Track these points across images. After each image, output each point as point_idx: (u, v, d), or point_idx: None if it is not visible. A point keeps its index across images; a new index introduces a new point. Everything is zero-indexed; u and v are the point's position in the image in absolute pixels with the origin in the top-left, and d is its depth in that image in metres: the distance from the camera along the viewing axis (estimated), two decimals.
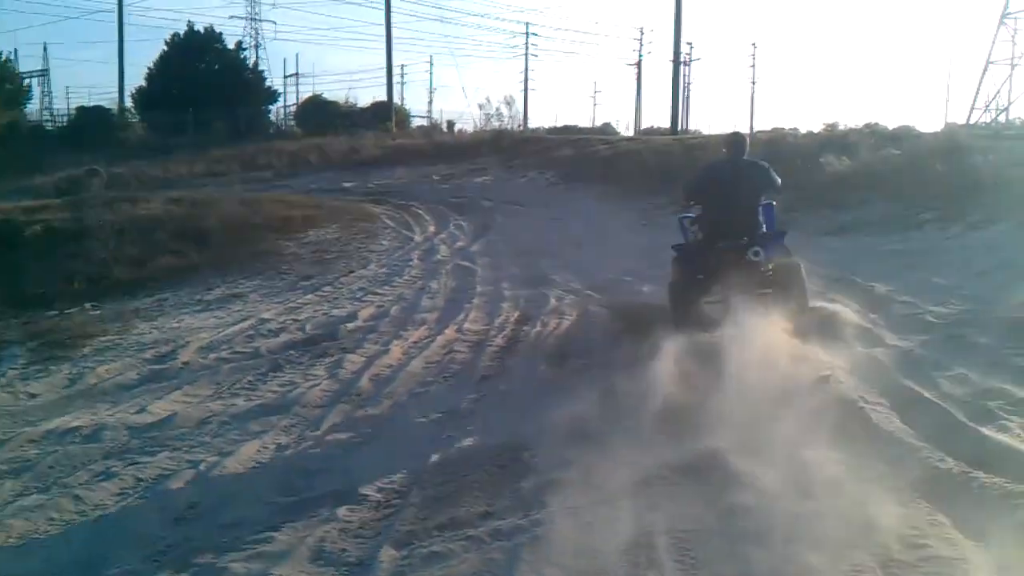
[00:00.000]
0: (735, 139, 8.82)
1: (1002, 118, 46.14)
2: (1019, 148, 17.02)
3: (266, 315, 10.76)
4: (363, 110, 49.12)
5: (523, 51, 70.02)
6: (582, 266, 13.34)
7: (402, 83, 67.33)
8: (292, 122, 52.29)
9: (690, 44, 64.98)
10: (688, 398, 6.39)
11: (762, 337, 7.07)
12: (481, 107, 44.32)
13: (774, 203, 9.04)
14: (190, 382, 8.01)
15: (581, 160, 26.03)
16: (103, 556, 4.59)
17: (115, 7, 51.21)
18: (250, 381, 7.97)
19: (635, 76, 71.30)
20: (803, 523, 4.29)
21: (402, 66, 69.03)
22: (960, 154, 16.26)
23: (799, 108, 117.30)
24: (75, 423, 6.89)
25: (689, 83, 66.24)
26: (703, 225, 8.65)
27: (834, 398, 6.16)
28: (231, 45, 52.95)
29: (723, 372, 6.61)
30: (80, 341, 9.97)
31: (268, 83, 54.63)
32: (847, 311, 8.69)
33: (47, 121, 55.93)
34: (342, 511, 4.95)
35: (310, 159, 34.06)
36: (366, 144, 35.82)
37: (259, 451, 6.10)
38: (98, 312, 11.81)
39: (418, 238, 16.94)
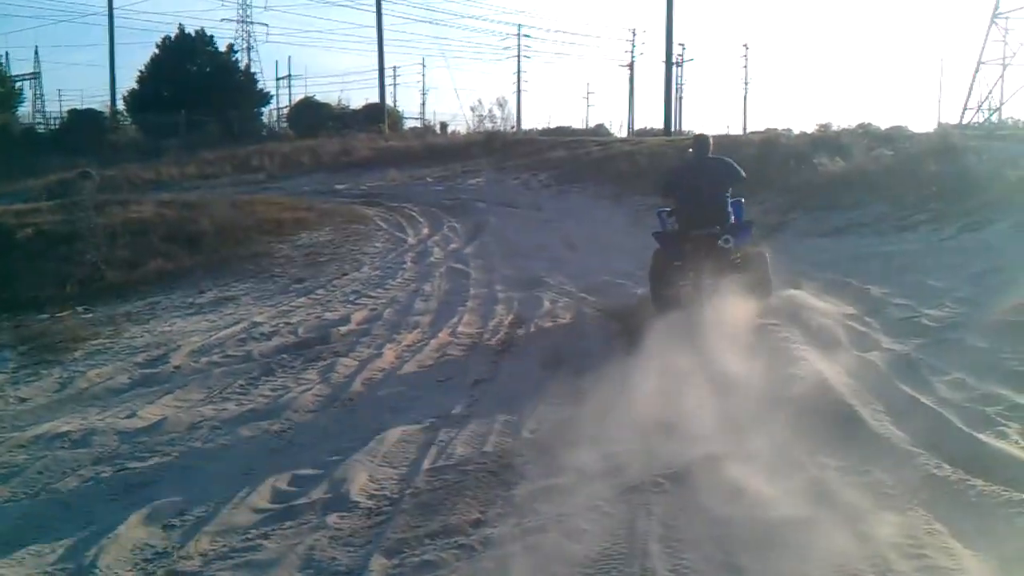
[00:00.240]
0: (700, 140, 10.03)
1: (995, 118, 46.26)
2: (1012, 148, 16.98)
3: (258, 318, 10.70)
4: (355, 112, 49.12)
5: (515, 52, 70.10)
6: (576, 268, 13.31)
7: (394, 85, 67.42)
8: (284, 124, 52.29)
9: (682, 45, 65.11)
10: (681, 403, 6.35)
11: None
12: (474, 109, 44.38)
13: (742, 200, 10.05)
14: (181, 386, 7.95)
15: (574, 161, 25.99)
16: (92, 564, 4.52)
17: (106, 10, 51.21)
18: (242, 385, 7.91)
19: (628, 77, 71.39)
20: (797, 532, 4.24)
21: (394, 68, 69.21)
22: (953, 155, 16.25)
23: (792, 108, 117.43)
24: (64, 428, 6.83)
25: (682, 84, 66.46)
26: (678, 217, 9.59)
27: (829, 403, 6.12)
28: (223, 48, 52.92)
29: (710, 369, 6.63)
30: (71, 345, 9.91)
31: (260, 85, 54.60)
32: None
33: (39, 124, 55.87)
34: (332, 518, 4.89)
35: (302, 161, 33.97)
36: (358, 146, 35.74)
37: (249, 456, 6.04)
38: (89, 316, 11.75)
39: (411, 240, 16.88)
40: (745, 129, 60.36)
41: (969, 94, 49.89)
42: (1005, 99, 48.94)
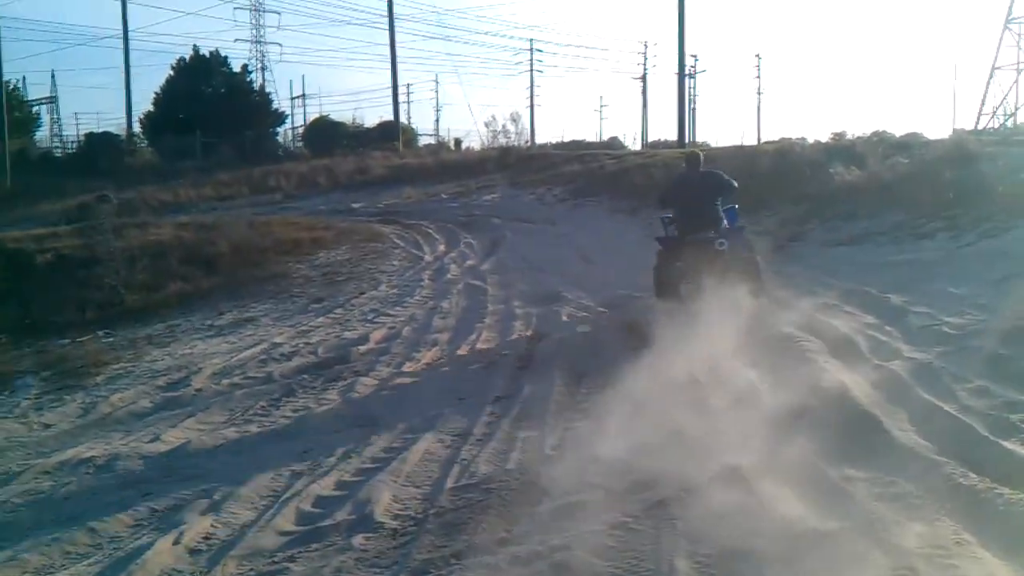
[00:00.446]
0: (691, 156, 11.41)
1: (1010, 123, 46.01)
2: None
3: (278, 339, 10.76)
4: (370, 130, 49.30)
5: (528, 68, 70.20)
6: (593, 282, 13.31)
7: (408, 102, 67.65)
8: (300, 143, 52.48)
9: (695, 56, 64.95)
10: (703, 417, 6.35)
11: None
12: (487, 125, 44.43)
13: (736, 206, 10.87)
14: (203, 409, 8.00)
15: (589, 175, 26.00)
16: None
17: (121, 33, 51.55)
18: (263, 407, 7.95)
19: (640, 90, 71.35)
20: (825, 544, 4.22)
21: (408, 85, 69.38)
22: (969, 161, 16.17)
23: (806, 117, 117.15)
24: (89, 453, 6.88)
25: (695, 95, 66.27)
26: (677, 224, 10.59)
27: (852, 413, 6.10)
28: (237, 68, 53.23)
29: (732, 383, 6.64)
30: (93, 369, 9.99)
31: (275, 105, 54.86)
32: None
33: (56, 148, 56.35)
34: (358, 540, 4.89)
35: (318, 180, 34.10)
36: (374, 164, 35.86)
37: (273, 479, 6.06)
38: (110, 339, 11.83)
39: (428, 257, 16.92)
40: (759, 139, 60.15)
41: (984, 99, 49.54)
42: (1020, 104, 48.63)
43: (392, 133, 46.24)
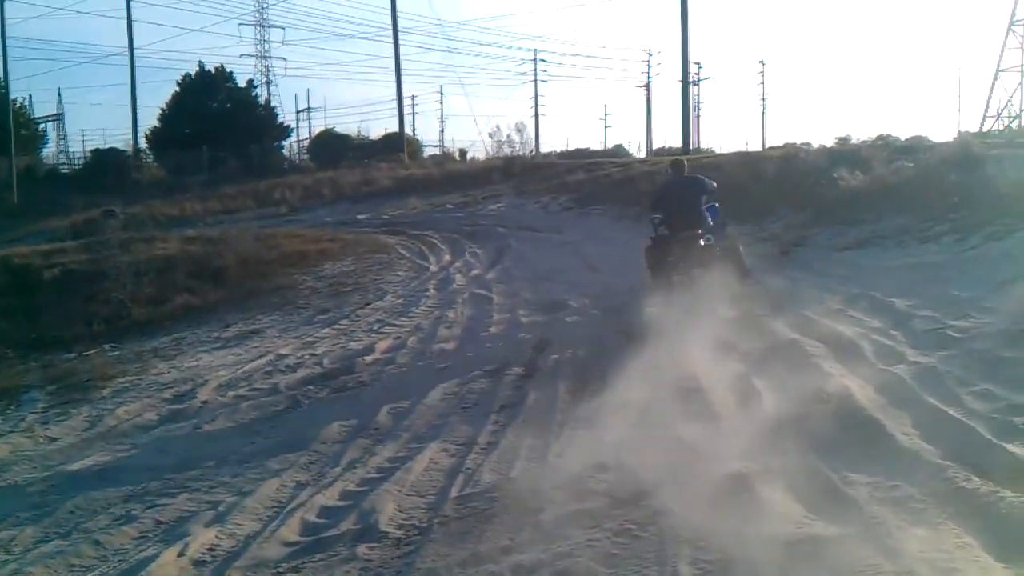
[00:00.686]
0: (676, 163, 12.74)
1: (1015, 125, 45.94)
2: None
3: (284, 350, 10.78)
4: (375, 142, 49.45)
5: (532, 77, 70.29)
6: (598, 290, 13.30)
7: (413, 114, 67.84)
8: (305, 156, 52.63)
9: (698, 64, 65.04)
10: (707, 423, 6.36)
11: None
12: (492, 135, 44.30)
13: (717, 204, 12.05)
14: (209, 421, 8.00)
15: (593, 184, 26.04)
16: None
17: (126, 51, 51.75)
18: (268, 418, 7.95)
19: (645, 98, 71.40)
20: (828, 548, 4.21)
21: (412, 97, 69.55)
22: (974, 164, 16.16)
23: (810, 122, 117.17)
24: (94, 466, 6.89)
25: (699, 102, 66.34)
26: (667, 223, 11.62)
27: (856, 417, 6.09)
28: (242, 83, 53.47)
29: (737, 389, 6.62)
30: (99, 383, 10.02)
31: (280, 119, 55.06)
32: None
33: (63, 164, 56.56)
34: (362, 550, 4.90)
35: (324, 192, 34.19)
36: (379, 176, 35.93)
37: (278, 490, 6.07)
38: (116, 353, 11.86)
39: (433, 268, 16.94)
40: (764, 145, 60.19)
41: (988, 102, 49.56)
42: None
43: (397, 145, 46.36)
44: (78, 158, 57.60)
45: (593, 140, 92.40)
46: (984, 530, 4.30)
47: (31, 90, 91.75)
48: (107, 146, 53.21)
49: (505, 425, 7.14)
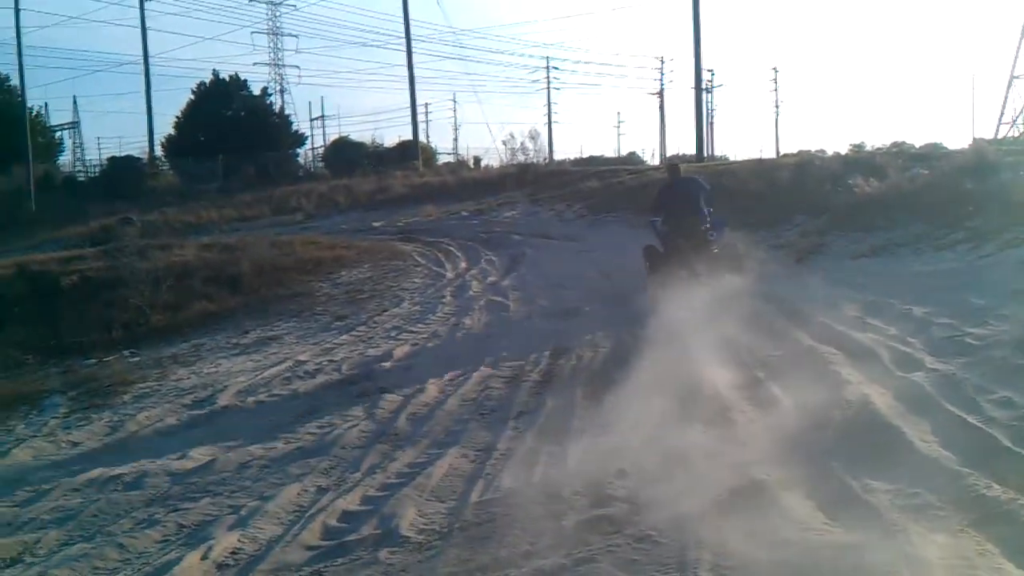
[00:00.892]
0: (672, 167, 14.51)
1: None
2: None
3: (302, 357, 10.83)
4: (389, 149, 49.44)
5: (545, 85, 70.37)
6: (614, 297, 13.31)
7: (427, 121, 67.79)
8: (320, 164, 52.73)
9: (711, 71, 65.05)
10: (727, 430, 6.39)
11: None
12: (506, 142, 44.39)
13: (710, 209, 12.74)
14: (229, 426, 8.06)
15: (608, 191, 26.02)
16: None
17: (141, 59, 52.06)
18: (289, 423, 8.00)
19: (658, 105, 71.44)
20: (848, 556, 4.23)
21: (426, 105, 69.53)
22: (990, 171, 16.14)
23: (824, 129, 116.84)
24: (117, 471, 6.96)
25: (713, 109, 66.39)
26: (668, 223, 12.63)
27: (875, 424, 6.10)
28: (257, 91, 53.62)
29: (756, 395, 6.62)
30: (119, 388, 10.09)
31: (294, 127, 55.23)
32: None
33: (79, 172, 56.84)
34: (384, 554, 4.94)
35: (339, 200, 34.25)
36: (393, 183, 35.95)
37: (299, 494, 6.12)
38: (136, 359, 11.94)
39: (449, 275, 16.96)
40: (778, 152, 60.14)
41: (1003, 109, 49.29)
42: None
43: (411, 152, 46.40)
44: (94, 166, 58.00)
45: (607, 147, 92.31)
46: (1005, 537, 4.31)
47: (47, 98, 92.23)
48: (123, 153, 53.50)
49: (524, 431, 7.17)
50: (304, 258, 18.48)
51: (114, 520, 5.95)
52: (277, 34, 58.23)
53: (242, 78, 52.84)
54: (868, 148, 28.73)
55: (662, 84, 70.37)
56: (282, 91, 57.91)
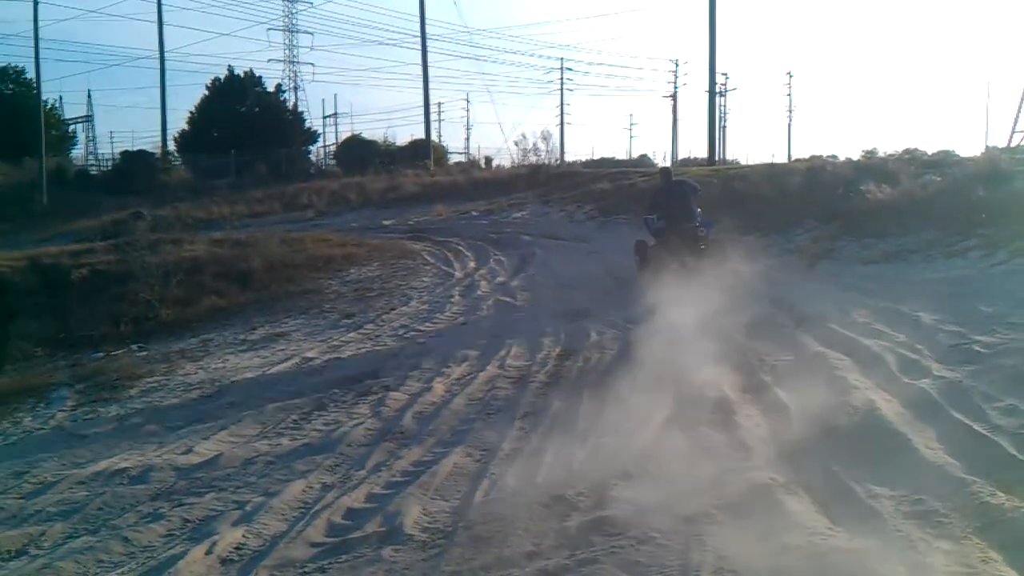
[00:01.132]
0: (664, 171, 17.19)
1: None
2: None
3: (310, 353, 10.85)
4: (401, 148, 49.49)
5: (558, 86, 70.36)
6: (622, 298, 13.29)
7: (439, 121, 67.88)
8: (332, 162, 52.80)
9: (725, 75, 65.15)
10: (733, 433, 6.39)
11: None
12: (518, 143, 44.46)
13: (699, 209, 14.48)
14: (235, 422, 8.08)
15: (618, 193, 25.98)
16: None
17: (156, 54, 52.24)
18: (295, 420, 8.03)
19: (671, 108, 71.42)
20: (851, 561, 4.23)
21: (439, 104, 69.59)
22: (1002, 179, 16.10)
23: (837, 134, 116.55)
24: (123, 464, 6.99)
25: (726, 113, 66.34)
26: (664, 219, 14.31)
27: (881, 430, 6.09)
28: (271, 88, 53.76)
29: (763, 399, 6.61)
30: (127, 382, 10.13)
31: (307, 124, 55.35)
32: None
33: (92, 166, 57.06)
34: (388, 552, 4.95)
35: (350, 198, 34.29)
36: (405, 182, 35.97)
37: (304, 491, 6.13)
38: (144, 353, 11.98)
39: (458, 274, 16.97)
40: (790, 156, 60.12)
41: (1017, 117, 49.03)
42: None
43: (423, 151, 46.44)
44: (106, 160, 58.18)
45: (618, 149, 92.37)
46: (1008, 545, 4.31)
47: (62, 91, 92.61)
48: (136, 148, 53.62)
49: (529, 431, 7.17)
50: (314, 255, 18.52)
51: (119, 514, 5.97)
52: (292, 31, 58.44)
53: (256, 74, 53.05)
54: (880, 154, 28.69)
55: (675, 87, 70.39)
56: (296, 88, 58.10)
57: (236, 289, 15.66)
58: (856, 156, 29.58)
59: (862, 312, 10.28)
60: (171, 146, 53.04)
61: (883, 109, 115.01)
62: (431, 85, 48.90)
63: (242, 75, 52.11)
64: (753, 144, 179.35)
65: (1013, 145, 42.55)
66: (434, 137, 54.00)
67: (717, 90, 45.26)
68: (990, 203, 14.64)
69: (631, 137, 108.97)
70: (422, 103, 48.72)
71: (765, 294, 11.83)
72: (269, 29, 61.29)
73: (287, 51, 58.57)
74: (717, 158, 42.61)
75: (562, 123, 69.47)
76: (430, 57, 49.07)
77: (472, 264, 18.24)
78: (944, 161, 21.64)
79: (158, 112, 52.46)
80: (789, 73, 78.84)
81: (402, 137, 55.89)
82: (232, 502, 6.02)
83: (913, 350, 8.39)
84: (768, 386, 7.61)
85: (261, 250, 18.40)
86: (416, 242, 21.76)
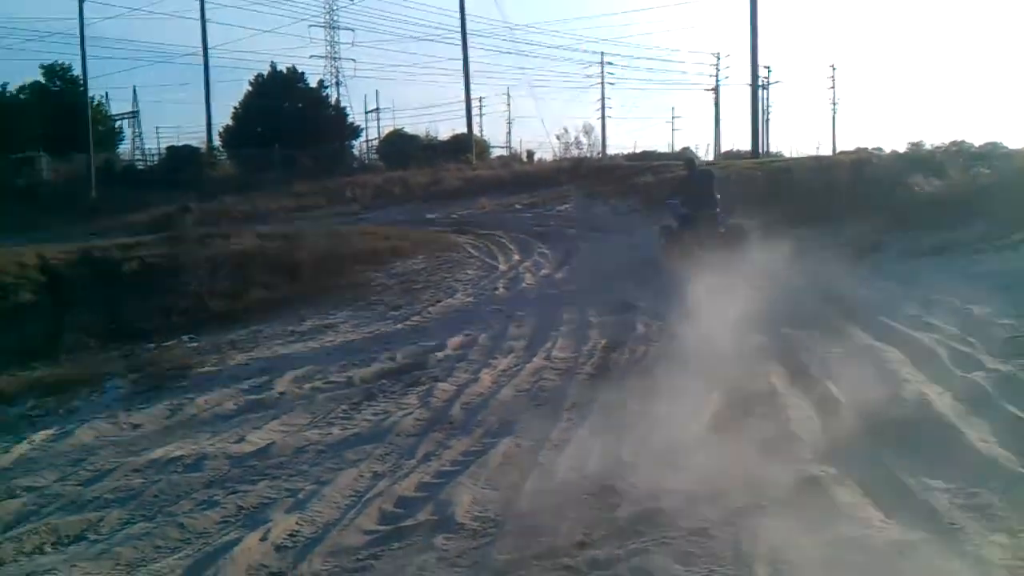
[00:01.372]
0: (689, 160, 18.65)
1: None
2: None
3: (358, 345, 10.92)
4: (443, 142, 49.51)
5: (599, 80, 70.05)
6: (667, 292, 13.22)
7: (480, 115, 67.66)
8: (375, 156, 52.97)
9: (768, 68, 64.20)
10: (784, 426, 6.37)
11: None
12: (559, 137, 44.28)
13: (719, 196, 15.58)
14: (286, 411, 8.19)
15: (662, 186, 25.82)
16: None
17: (200, 51, 52.65)
18: (345, 410, 8.12)
19: (713, 101, 70.85)
20: (907, 554, 4.21)
21: (480, 98, 69.32)
22: None
23: (881, 127, 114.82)
24: (177, 453, 7.10)
25: (769, 106, 65.57)
26: (688, 206, 15.43)
27: (935, 424, 6.04)
28: (313, 84, 53.95)
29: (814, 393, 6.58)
30: (179, 372, 10.25)
31: (350, 119, 55.44)
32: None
33: (138, 161, 57.54)
34: (439, 540, 5.00)
35: (394, 191, 34.38)
36: (447, 176, 36.01)
37: (356, 479, 6.20)
38: (195, 344, 12.12)
39: (503, 267, 17.00)
40: (834, 149, 59.29)
41: None
42: None
43: (465, 146, 46.45)
44: (153, 155, 58.67)
45: (660, 143, 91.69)
46: None
47: (108, 88, 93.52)
48: (181, 143, 54.10)
49: (577, 422, 7.19)
50: (360, 248, 18.60)
51: (175, 501, 6.07)
52: (334, 28, 58.56)
53: (299, 71, 53.29)
54: (927, 146, 28.25)
55: (717, 80, 69.64)
56: (338, 84, 58.20)
57: (284, 282, 15.79)
58: (902, 148, 29.14)
59: (912, 305, 10.18)
60: (216, 141, 53.50)
61: (928, 100, 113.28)
62: (472, 80, 48.73)
63: (285, 71, 52.39)
64: (797, 136, 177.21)
65: None
66: (475, 131, 53.96)
67: (760, 83, 44.91)
68: None
69: (673, 130, 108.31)
70: (463, 98, 48.73)
71: (813, 286, 11.75)
72: (311, 26, 61.31)
73: (328, 47, 58.72)
74: (761, 151, 42.25)
75: (603, 117, 69.08)
76: (471, 52, 48.97)
77: (516, 257, 18.26)
78: (992, 153, 21.35)
79: (203, 108, 52.73)
80: (832, 65, 77.90)
81: (443, 131, 55.66)
82: (285, 490, 6.10)
83: (965, 343, 8.31)
84: (818, 379, 7.56)
85: (308, 243, 18.51)
86: (460, 235, 21.78)
